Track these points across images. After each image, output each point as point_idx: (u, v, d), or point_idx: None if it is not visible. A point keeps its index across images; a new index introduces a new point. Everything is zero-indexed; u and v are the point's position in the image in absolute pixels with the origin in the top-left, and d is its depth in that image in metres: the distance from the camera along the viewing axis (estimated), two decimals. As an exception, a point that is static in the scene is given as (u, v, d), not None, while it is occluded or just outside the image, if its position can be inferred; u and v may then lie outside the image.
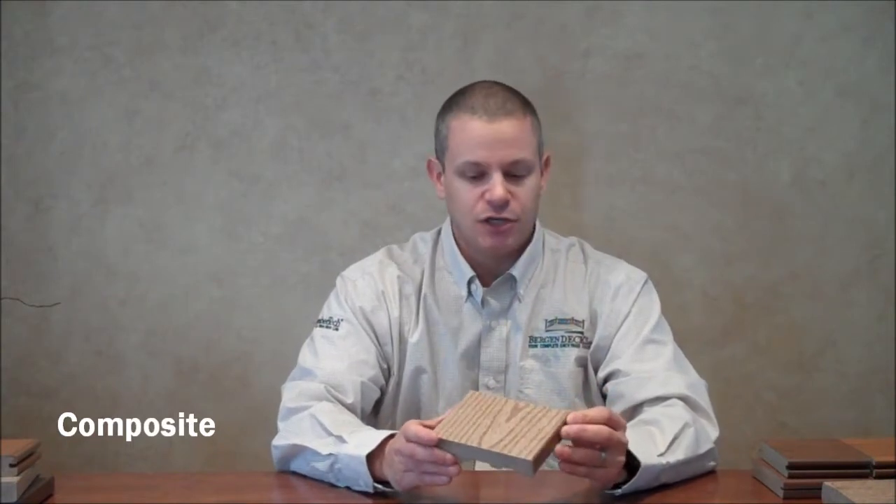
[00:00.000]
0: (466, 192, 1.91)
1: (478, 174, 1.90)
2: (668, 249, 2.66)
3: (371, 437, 1.71)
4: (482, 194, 1.90)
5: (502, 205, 1.89)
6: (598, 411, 1.59)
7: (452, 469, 1.58)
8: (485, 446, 1.54)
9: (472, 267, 1.99)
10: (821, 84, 2.64)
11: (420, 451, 1.58)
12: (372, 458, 1.68)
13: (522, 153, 1.90)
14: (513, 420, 1.58)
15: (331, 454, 1.72)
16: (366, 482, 1.68)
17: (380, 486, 1.68)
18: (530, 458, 1.51)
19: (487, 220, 1.91)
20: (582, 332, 1.98)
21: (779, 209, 2.66)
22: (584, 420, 1.57)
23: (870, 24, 2.62)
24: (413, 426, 1.60)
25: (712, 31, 2.62)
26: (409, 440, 1.59)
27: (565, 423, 1.57)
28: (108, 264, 2.63)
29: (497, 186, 1.88)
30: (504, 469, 1.59)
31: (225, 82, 2.61)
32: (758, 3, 2.62)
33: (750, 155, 2.65)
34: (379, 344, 1.97)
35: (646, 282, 2.02)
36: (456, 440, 1.56)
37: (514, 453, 1.53)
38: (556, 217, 2.35)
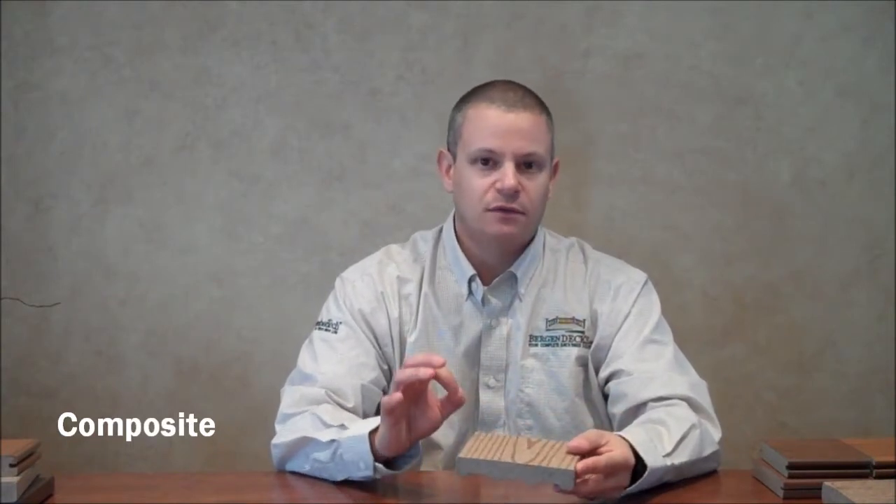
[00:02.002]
0: (477, 180, 1.91)
1: (490, 163, 1.91)
2: (668, 249, 2.66)
3: (373, 420, 1.73)
4: (493, 183, 1.90)
5: (513, 194, 1.89)
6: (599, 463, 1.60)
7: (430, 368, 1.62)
8: (520, 461, 1.54)
9: (474, 265, 1.99)
10: (821, 84, 2.64)
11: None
12: (372, 439, 1.69)
13: (536, 147, 1.91)
14: (534, 448, 1.59)
15: (333, 440, 1.73)
16: (366, 463, 1.69)
17: (380, 466, 1.68)
18: (572, 467, 1.53)
19: (495, 210, 1.91)
20: (583, 332, 1.98)
21: (779, 209, 2.67)
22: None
23: (870, 24, 2.63)
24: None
25: (712, 31, 2.62)
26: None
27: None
28: (108, 264, 2.63)
29: (509, 175, 1.89)
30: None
31: (225, 82, 2.61)
32: (758, 3, 2.62)
33: (750, 155, 2.65)
34: (379, 346, 1.97)
35: (646, 282, 2.02)
36: (487, 458, 1.56)
37: (554, 464, 1.53)
38: (556, 217, 2.35)
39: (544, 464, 1.54)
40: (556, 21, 2.61)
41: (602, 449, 1.60)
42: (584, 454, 1.58)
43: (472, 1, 2.60)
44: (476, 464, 1.56)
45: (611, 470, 1.59)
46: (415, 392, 1.66)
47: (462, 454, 1.58)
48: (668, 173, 2.65)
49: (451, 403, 1.68)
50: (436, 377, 1.64)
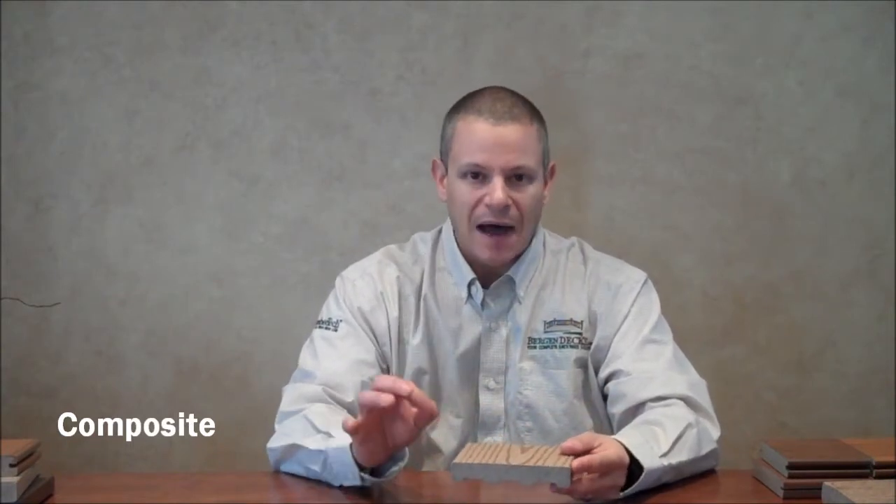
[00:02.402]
0: (467, 194, 1.91)
1: (480, 177, 1.90)
2: (668, 249, 2.66)
3: None
4: (482, 197, 1.89)
5: (502, 209, 1.88)
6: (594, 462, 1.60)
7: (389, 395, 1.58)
8: (515, 463, 1.55)
9: (472, 268, 1.99)
10: (821, 84, 2.64)
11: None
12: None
13: (525, 159, 1.90)
14: (527, 453, 1.59)
15: (320, 451, 1.72)
16: (353, 473, 1.67)
17: (367, 476, 1.67)
18: (568, 465, 1.53)
19: (485, 227, 1.91)
20: (580, 333, 1.98)
21: (779, 209, 2.66)
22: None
23: (870, 24, 2.62)
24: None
25: (712, 31, 2.62)
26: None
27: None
28: (108, 264, 2.63)
29: (497, 190, 1.88)
30: None
31: (225, 82, 2.61)
32: (758, 3, 2.62)
33: (750, 155, 2.65)
34: (378, 344, 1.97)
35: (645, 282, 2.02)
36: (482, 462, 1.56)
37: (549, 463, 1.54)
38: (557, 217, 2.35)
39: (539, 464, 1.54)
40: (556, 21, 2.61)
41: (596, 449, 1.60)
42: (577, 455, 1.58)
43: (472, 1, 2.60)
44: (470, 468, 1.56)
45: (605, 469, 1.59)
46: (379, 413, 1.62)
47: (456, 460, 1.58)
48: (668, 173, 2.65)
49: (425, 415, 1.63)
50: (407, 399, 1.60)
